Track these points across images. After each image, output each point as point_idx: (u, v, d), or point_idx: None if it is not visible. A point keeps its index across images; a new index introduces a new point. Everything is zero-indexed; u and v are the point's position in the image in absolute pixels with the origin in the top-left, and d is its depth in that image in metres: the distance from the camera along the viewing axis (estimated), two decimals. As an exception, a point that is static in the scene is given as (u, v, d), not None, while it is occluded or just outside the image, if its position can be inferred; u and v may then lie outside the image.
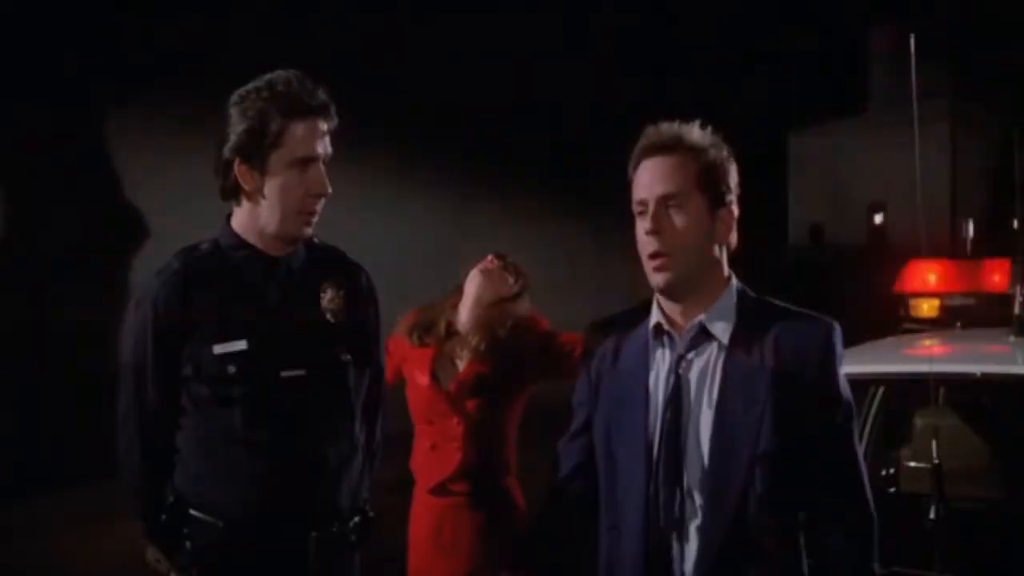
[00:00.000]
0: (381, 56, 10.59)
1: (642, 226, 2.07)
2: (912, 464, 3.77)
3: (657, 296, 2.15)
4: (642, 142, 2.11)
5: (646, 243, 2.07)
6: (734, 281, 2.13)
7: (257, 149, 2.28)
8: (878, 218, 23.45)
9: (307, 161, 2.30)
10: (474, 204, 12.26)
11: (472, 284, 3.26)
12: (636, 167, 2.11)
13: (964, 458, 3.60)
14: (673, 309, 2.11)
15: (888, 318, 7.63)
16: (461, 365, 3.22)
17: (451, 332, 3.27)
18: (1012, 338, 4.00)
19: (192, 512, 2.34)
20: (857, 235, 23.03)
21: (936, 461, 2.70)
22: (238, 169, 2.30)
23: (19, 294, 7.56)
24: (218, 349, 2.29)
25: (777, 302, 2.14)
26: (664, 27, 15.75)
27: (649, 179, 2.07)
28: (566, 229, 14.07)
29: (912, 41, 3.49)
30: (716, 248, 2.10)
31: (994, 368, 3.59)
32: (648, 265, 2.07)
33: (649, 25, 15.38)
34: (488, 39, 12.12)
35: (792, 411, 1.99)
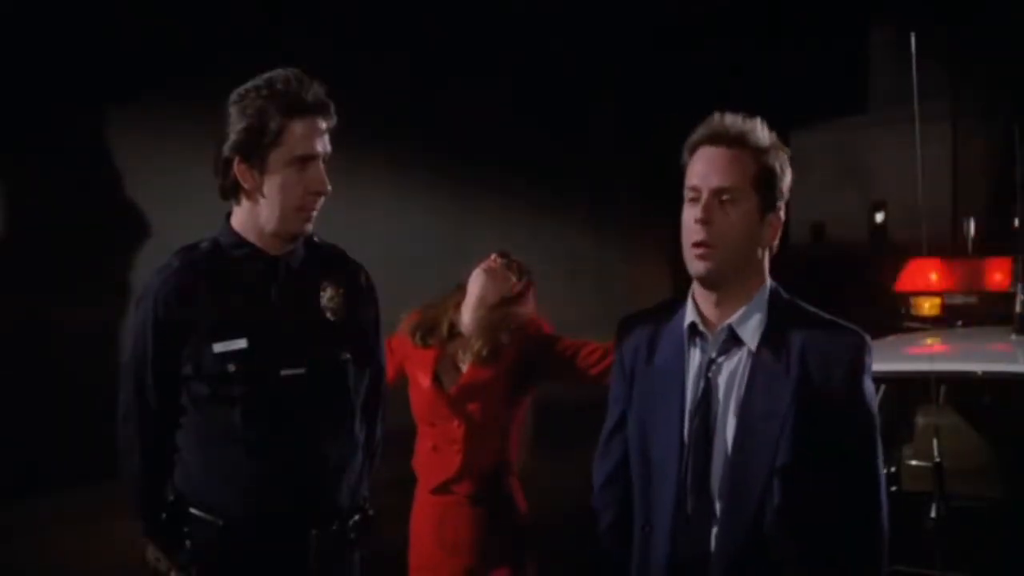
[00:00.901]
0: (381, 54, 10.58)
1: (691, 213, 2.04)
2: (913, 463, 3.78)
3: (692, 293, 2.13)
4: (704, 130, 2.07)
5: (693, 231, 2.03)
6: (768, 282, 2.10)
7: (256, 148, 2.27)
8: (879, 217, 23.46)
9: (306, 159, 2.29)
10: (474, 203, 12.24)
11: (475, 284, 3.25)
12: (693, 152, 2.07)
13: (965, 456, 3.61)
14: (708, 307, 2.09)
15: (889, 317, 7.62)
16: (463, 367, 3.21)
17: (454, 334, 3.26)
18: (1013, 337, 4.00)
19: (192, 511, 2.34)
20: (858, 234, 23.05)
21: (937, 460, 2.70)
22: (237, 168, 2.29)
23: (19, 294, 7.56)
24: (218, 348, 2.29)
25: (809, 307, 2.11)
26: (663, 27, 15.74)
27: (706, 168, 2.04)
28: (566, 229, 14.06)
29: (913, 40, 3.49)
30: (759, 251, 2.07)
31: (995, 367, 3.58)
32: (690, 252, 2.04)
33: (648, 25, 15.37)
34: (487, 37, 12.12)
35: (814, 422, 1.97)
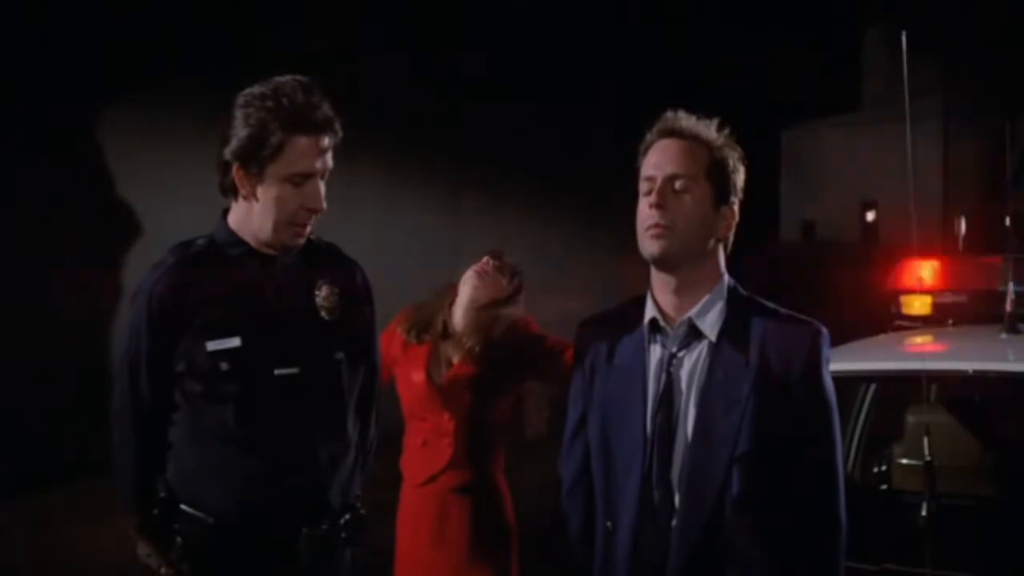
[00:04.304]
0: (376, 53, 10.58)
1: (646, 201, 2.07)
2: (904, 461, 3.80)
3: (651, 289, 2.15)
4: (658, 125, 2.12)
5: (647, 216, 2.06)
6: (726, 278, 2.14)
7: (255, 158, 2.25)
8: (870, 215, 23.50)
9: (304, 176, 2.28)
10: (468, 202, 12.26)
11: (467, 286, 3.29)
12: (648, 148, 2.11)
13: (956, 455, 3.63)
14: (666, 299, 2.11)
15: (880, 315, 7.65)
16: (454, 363, 3.24)
17: (447, 333, 3.30)
18: (1003, 335, 4.02)
19: (183, 507, 2.35)
20: (849, 232, 23.07)
21: (928, 458, 2.71)
22: (235, 173, 2.28)
23: (17, 292, 7.55)
24: (211, 346, 2.28)
25: (767, 303, 2.14)
26: (658, 25, 15.77)
27: (660, 159, 2.08)
28: (560, 228, 14.07)
29: (904, 39, 3.50)
30: (712, 242, 2.10)
31: (985, 365, 3.60)
32: (645, 235, 2.07)
33: (643, 24, 15.39)
34: (481, 36, 12.12)
35: (773, 414, 2.00)
